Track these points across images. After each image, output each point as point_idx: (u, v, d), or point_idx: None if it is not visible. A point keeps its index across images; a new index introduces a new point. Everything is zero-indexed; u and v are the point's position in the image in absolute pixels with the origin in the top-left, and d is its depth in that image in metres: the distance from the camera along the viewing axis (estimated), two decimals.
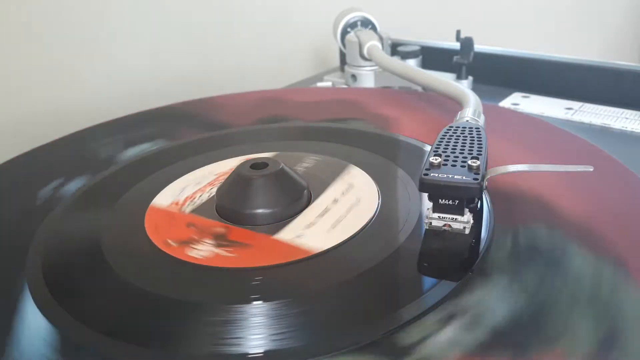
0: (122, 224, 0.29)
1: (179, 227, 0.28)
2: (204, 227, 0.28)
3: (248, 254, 0.26)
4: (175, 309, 0.23)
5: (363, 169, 0.33)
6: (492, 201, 0.28)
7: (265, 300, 0.22)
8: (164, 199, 0.31)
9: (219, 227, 0.28)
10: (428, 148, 0.35)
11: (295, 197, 0.29)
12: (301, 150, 0.36)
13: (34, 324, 0.22)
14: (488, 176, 0.26)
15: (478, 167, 0.25)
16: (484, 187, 0.25)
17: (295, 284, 0.24)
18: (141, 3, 0.54)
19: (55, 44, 0.49)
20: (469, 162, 0.25)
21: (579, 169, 0.25)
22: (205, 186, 0.32)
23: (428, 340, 0.20)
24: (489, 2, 0.97)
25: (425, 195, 0.26)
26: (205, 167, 0.35)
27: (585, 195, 0.29)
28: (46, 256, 0.27)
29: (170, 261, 0.26)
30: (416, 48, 0.57)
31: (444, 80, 0.42)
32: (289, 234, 0.27)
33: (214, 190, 0.31)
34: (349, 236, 0.26)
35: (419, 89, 0.51)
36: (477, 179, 0.24)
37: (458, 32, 0.54)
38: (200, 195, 0.31)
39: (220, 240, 0.27)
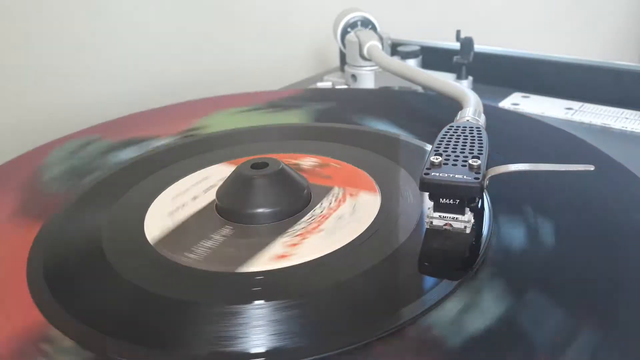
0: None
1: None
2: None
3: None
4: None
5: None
6: (493, 200, 0.28)
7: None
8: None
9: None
10: (429, 147, 0.35)
11: (295, 197, 0.29)
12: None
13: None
14: (489, 175, 0.26)
15: (479, 167, 0.25)
16: (485, 186, 0.25)
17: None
18: (141, 3, 0.54)
19: (55, 44, 0.49)
20: (470, 161, 0.25)
21: (579, 169, 0.25)
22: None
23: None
24: (489, 2, 0.97)
25: (426, 195, 0.26)
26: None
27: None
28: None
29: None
30: (416, 48, 0.57)
31: (444, 80, 0.42)
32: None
33: (214, 190, 0.31)
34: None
35: (419, 89, 0.51)
36: (477, 179, 0.24)
37: (458, 32, 0.54)
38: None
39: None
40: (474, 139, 0.28)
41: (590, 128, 0.45)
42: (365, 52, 0.54)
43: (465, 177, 0.24)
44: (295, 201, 0.29)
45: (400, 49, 0.57)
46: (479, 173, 0.25)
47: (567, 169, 0.25)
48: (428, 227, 0.26)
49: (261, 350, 0.20)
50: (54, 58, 0.49)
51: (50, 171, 0.36)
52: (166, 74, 0.58)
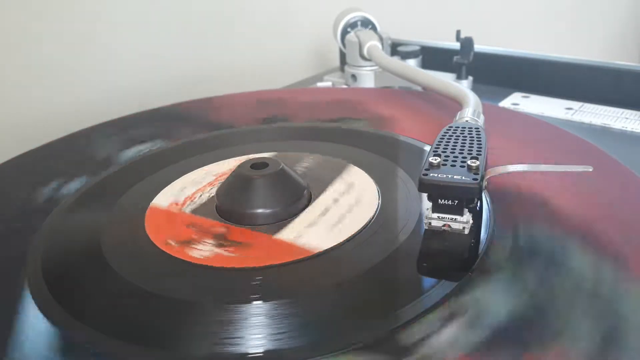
0: (123, 224, 0.29)
1: (179, 227, 0.28)
2: (204, 227, 0.28)
3: (249, 253, 0.26)
4: (176, 308, 0.23)
5: (363, 169, 0.33)
6: (492, 201, 0.28)
7: (265, 300, 0.22)
8: (164, 199, 0.31)
9: (219, 227, 0.28)
10: (428, 148, 0.35)
11: (295, 197, 0.29)
12: (301, 150, 0.36)
13: (33, 324, 0.22)
14: (488, 176, 0.26)
15: (477, 167, 0.25)
16: (484, 187, 0.25)
17: (296, 283, 0.24)
18: (141, 3, 0.54)
19: (55, 43, 0.49)
20: (469, 162, 0.25)
21: (578, 169, 0.25)
22: (205, 186, 0.32)
23: (427, 340, 0.20)
24: (489, 2, 0.97)
25: (424, 196, 0.26)
26: (205, 167, 0.35)
27: (585, 196, 0.29)
28: (46, 257, 0.27)
29: (171, 261, 0.26)
30: (416, 48, 0.57)
31: (444, 80, 0.42)
32: (289, 233, 0.27)
33: (214, 190, 0.31)
34: (349, 236, 0.26)
35: (419, 89, 0.51)
36: (476, 179, 0.24)
37: (458, 32, 0.54)
38: (200, 195, 0.31)
39: (221, 240, 0.27)
40: (473, 140, 0.28)
41: (590, 128, 0.45)
42: (365, 52, 0.54)
43: (463, 177, 0.24)
44: (295, 201, 0.29)
45: (400, 49, 0.57)
46: (478, 174, 0.25)
47: (566, 170, 0.26)
48: (427, 228, 0.26)
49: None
50: (54, 58, 0.49)
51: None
52: (165, 74, 0.58)
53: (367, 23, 0.58)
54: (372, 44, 0.54)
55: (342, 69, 0.64)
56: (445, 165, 0.26)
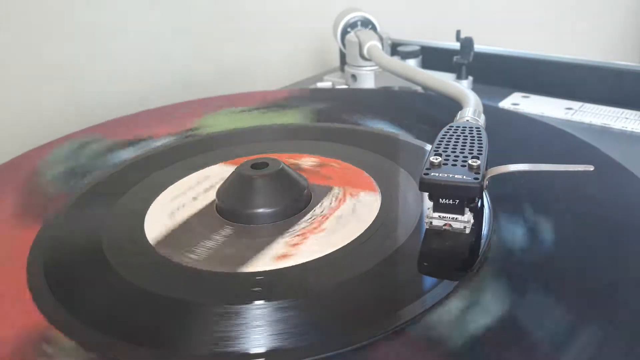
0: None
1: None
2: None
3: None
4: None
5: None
6: (493, 200, 0.28)
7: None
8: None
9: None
10: (429, 147, 0.35)
11: (295, 197, 0.29)
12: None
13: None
14: (488, 176, 0.26)
15: (478, 167, 0.25)
16: (485, 186, 0.25)
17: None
18: (141, 3, 0.54)
19: (55, 44, 0.49)
20: (469, 161, 0.25)
21: (579, 169, 0.25)
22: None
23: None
24: (489, 2, 0.97)
25: (425, 195, 0.26)
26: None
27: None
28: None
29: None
30: (416, 48, 0.57)
31: (443, 80, 0.42)
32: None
33: (214, 190, 0.31)
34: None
35: (419, 89, 0.51)
36: (477, 179, 0.24)
37: (458, 32, 0.54)
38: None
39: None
40: (474, 139, 0.28)
41: (590, 128, 0.45)
42: (365, 52, 0.54)
43: (464, 177, 0.24)
44: (296, 201, 0.29)
45: (400, 49, 0.57)
46: (479, 173, 0.25)
47: (567, 169, 0.26)
48: (428, 227, 0.26)
49: (261, 350, 0.20)
50: (54, 58, 0.49)
51: (52, 170, 0.36)
52: (166, 74, 0.58)
53: (367, 23, 0.58)
54: (372, 44, 0.54)
55: (342, 69, 0.64)
56: (446, 164, 0.26)
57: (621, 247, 0.25)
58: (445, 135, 0.29)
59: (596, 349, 0.19)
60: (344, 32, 0.58)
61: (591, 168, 0.25)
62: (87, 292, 0.24)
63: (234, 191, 0.29)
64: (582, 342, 0.20)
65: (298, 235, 0.27)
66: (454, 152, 0.27)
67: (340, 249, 0.25)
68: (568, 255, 0.24)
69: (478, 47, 0.54)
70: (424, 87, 0.47)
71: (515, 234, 0.26)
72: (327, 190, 0.31)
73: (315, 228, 0.27)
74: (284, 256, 0.25)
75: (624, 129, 0.44)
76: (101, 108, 0.52)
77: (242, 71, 0.65)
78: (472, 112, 0.33)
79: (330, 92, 0.52)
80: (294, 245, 0.26)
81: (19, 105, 0.48)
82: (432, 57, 0.58)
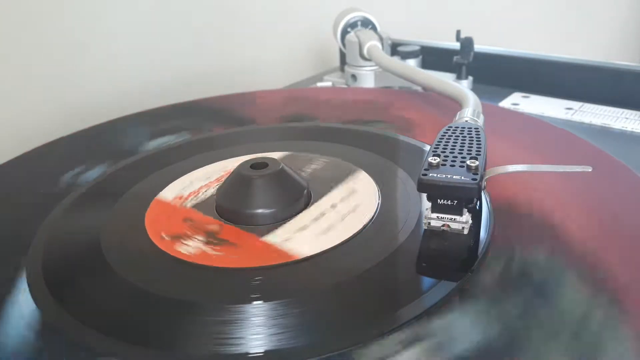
0: (125, 217, 0.30)
1: (176, 221, 0.29)
2: (199, 223, 0.28)
3: (234, 253, 0.26)
4: (175, 308, 0.23)
5: (363, 169, 0.33)
6: (492, 202, 0.28)
7: (265, 300, 0.22)
8: (169, 192, 0.32)
9: (213, 225, 0.28)
10: (427, 148, 0.35)
11: (293, 199, 0.29)
12: (314, 150, 0.36)
13: (33, 322, 0.22)
14: (487, 176, 0.26)
15: (477, 167, 0.25)
16: (483, 187, 0.25)
17: (295, 284, 0.24)
18: (141, 3, 0.54)
19: (55, 43, 0.49)
20: (468, 162, 0.25)
21: (578, 170, 0.25)
22: (212, 182, 0.32)
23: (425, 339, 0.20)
24: (489, 2, 0.97)
25: (424, 195, 0.26)
26: (217, 163, 0.35)
27: (585, 196, 0.29)
28: (47, 250, 0.27)
29: (160, 256, 0.26)
30: (416, 48, 0.57)
31: (443, 80, 0.42)
32: (279, 236, 0.27)
33: (214, 189, 0.31)
34: (343, 238, 0.26)
35: (419, 89, 0.51)
36: (475, 179, 0.24)
37: (458, 32, 0.54)
38: (205, 191, 0.31)
39: (211, 238, 0.27)
40: (473, 140, 0.28)
41: (590, 128, 0.45)
42: (365, 52, 0.54)
43: (463, 177, 0.24)
44: (295, 201, 0.29)
45: (400, 49, 0.57)
46: (477, 174, 0.25)
47: (566, 170, 0.26)
48: (426, 227, 0.26)
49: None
50: (54, 58, 0.49)
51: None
52: (165, 73, 0.58)
53: (367, 23, 0.58)
54: (372, 44, 0.54)
55: (342, 69, 0.64)
56: (445, 165, 0.26)
57: (621, 248, 0.25)
58: (444, 135, 0.29)
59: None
60: (344, 32, 0.58)
61: (590, 169, 0.25)
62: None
63: (233, 191, 0.29)
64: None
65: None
66: (453, 152, 0.27)
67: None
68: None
69: (478, 47, 0.54)
70: (424, 87, 0.47)
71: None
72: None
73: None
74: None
75: (624, 129, 0.44)
76: (100, 108, 0.52)
77: (242, 71, 0.65)
78: (471, 112, 0.33)
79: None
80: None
81: (19, 106, 0.48)
82: (432, 57, 0.58)
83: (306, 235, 0.27)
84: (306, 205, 0.29)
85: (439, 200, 0.25)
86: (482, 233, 0.26)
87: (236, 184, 0.29)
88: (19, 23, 0.46)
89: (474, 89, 0.40)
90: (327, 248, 0.25)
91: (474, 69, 0.54)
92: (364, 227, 0.27)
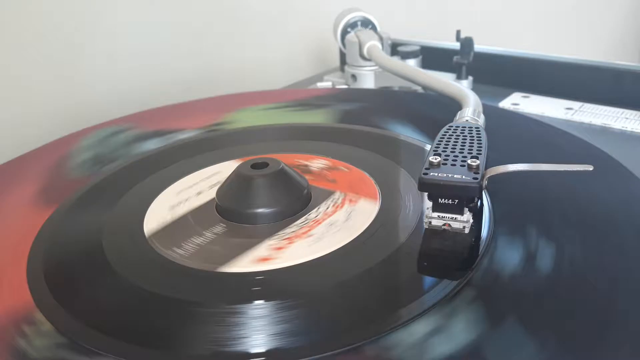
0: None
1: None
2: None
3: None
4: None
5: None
6: (492, 201, 0.28)
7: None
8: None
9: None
10: (429, 147, 0.35)
11: (293, 198, 0.29)
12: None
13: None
14: (488, 175, 0.26)
15: (477, 167, 0.25)
16: (484, 186, 0.25)
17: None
18: (141, 3, 0.54)
19: (55, 43, 0.49)
20: (469, 161, 0.25)
21: (578, 169, 0.25)
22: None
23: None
24: (489, 2, 0.97)
25: (425, 195, 0.26)
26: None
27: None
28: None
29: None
30: (416, 48, 0.57)
31: (443, 80, 0.42)
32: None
33: (216, 189, 0.31)
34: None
35: (419, 89, 0.51)
36: (476, 178, 0.24)
37: (458, 32, 0.54)
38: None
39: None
40: (473, 139, 0.28)
41: (590, 128, 0.45)
42: (365, 52, 0.54)
43: (464, 177, 0.24)
44: (293, 202, 0.29)
45: (400, 49, 0.57)
46: (478, 173, 0.25)
47: (566, 169, 0.25)
48: (427, 227, 0.26)
49: (261, 350, 0.20)
50: (54, 58, 0.49)
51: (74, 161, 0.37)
52: (165, 74, 0.58)
53: (367, 23, 0.58)
54: (372, 44, 0.54)
55: (342, 69, 0.64)
56: (446, 164, 0.26)
57: (621, 248, 0.25)
58: (445, 135, 0.29)
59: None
60: (344, 32, 0.58)
61: (590, 168, 0.25)
62: (86, 292, 0.24)
63: (232, 190, 0.29)
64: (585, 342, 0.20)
65: (285, 239, 0.26)
66: (454, 152, 0.27)
67: (337, 249, 0.25)
68: (567, 255, 0.24)
69: (478, 47, 0.54)
70: (424, 87, 0.47)
71: (514, 234, 0.26)
72: (328, 194, 0.30)
73: (304, 233, 0.27)
74: (265, 259, 0.25)
75: (624, 129, 0.44)
76: (101, 108, 0.52)
77: (242, 71, 0.65)
78: (471, 112, 0.33)
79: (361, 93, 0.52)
80: (279, 249, 0.26)
81: (19, 106, 0.48)
82: (432, 57, 0.58)
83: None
84: (306, 205, 0.29)
85: (439, 199, 0.25)
86: (483, 232, 0.26)
87: (236, 184, 0.29)
88: (19, 23, 0.46)
89: (474, 89, 0.40)
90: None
91: (474, 69, 0.54)
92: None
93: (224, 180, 0.30)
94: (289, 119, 0.43)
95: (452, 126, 0.30)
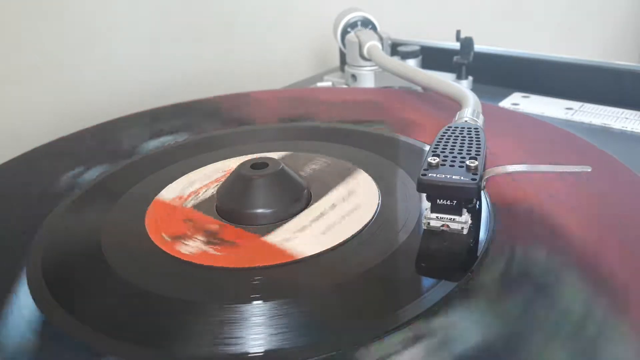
0: (125, 217, 0.30)
1: (177, 221, 0.29)
2: (199, 223, 0.28)
3: (234, 253, 0.26)
4: (175, 308, 0.23)
5: (363, 169, 0.33)
6: (492, 202, 0.28)
7: (265, 300, 0.22)
8: (169, 192, 0.32)
9: (213, 225, 0.28)
10: (427, 148, 0.35)
11: (293, 199, 0.29)
12: (314, 150, 0.36)
13: (32, 322, 0.22)
14: (486, 176, 0.26)
15: (476, 168, 0.25)
16: (483, 187, 0.25)
17: (294, 284, 0.24)
18: (141, 3, 0.54)
19: (55, 43, 0.49)
20: (467, 162, 0.25)
21: (577, 170, 0.25)
22: (212, 182, 0.32)
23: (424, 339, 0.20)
24: (489, 2, 0.97)
25: (424, 196, 0.26)
26: (217, 163, 0.35)
27: (585, 196, 0.29)
28: (47, 250, 0.27)
29: (161, 256, 0.26)
30: (416, 48, 0.57)
31: (443, 80, 0.42)
32: (279, 235, 0.27)
33: (216, 189, 0.31)
34: (342, 238, 0.26)
35: (419, 89, 0.51)
36: (475, 179, 0.24)
37: (458, 32, 0.54)
38: (205, 191, 0.31)
39: (211, 238, 0.27)
40: (472, 140, 0.28)
41: (590, 128, 0.45)
42: (365, 52, 0.54)
43: (462, 178, 0.24)
44: (295, 201, 0.29)
45: (400, 49, 0.57)
46: (477, 174, 0.25)
47: (565, 170, 0.26)
48: (425, 228, 0.26)
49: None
50: (54, 58, 0.49)
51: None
52: (165, 74, 0.58)
53: (367, 23, 0.58)
54: (372, 44, 0.54)
55: (342, 69, 0.64)
56: (444, 165, 0.26)
57: (621, 249, 0.25)
58: (444, 135, 0.29)
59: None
60: (344, 32, 0.58)
61: (589, 169, 0.25)
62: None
63: (232, 191, 0.29)
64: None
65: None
66: (452, 152, 0.27)
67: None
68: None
69: (478, 47, 0.54)
70: (424, 87, 0.47)
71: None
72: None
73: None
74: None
75: (624, 129, 0.44)
76: (101, 108, 0.52)
77: (242, 71, 0.65)
78: (470, 112, 0.33)
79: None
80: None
81: (19, 106, 0.48)
82: (432, 57, 0.58)
83: (306, 235, 0.27)
84: (306, 205, 0.29)
85: (438, 200, 0.25)
86: (482, 233, 0.26)
87: (236, 184, 0.29)
88: (19, 23, 0.46)
89: (474, 89, 0.40)
90: (327, 248, 0.25)
91: (474, 69, 0.54)
92: (364, 227, 0.27)
93: (222, 180, 0.31)
94: None
95: (451, 127, 0.30)
